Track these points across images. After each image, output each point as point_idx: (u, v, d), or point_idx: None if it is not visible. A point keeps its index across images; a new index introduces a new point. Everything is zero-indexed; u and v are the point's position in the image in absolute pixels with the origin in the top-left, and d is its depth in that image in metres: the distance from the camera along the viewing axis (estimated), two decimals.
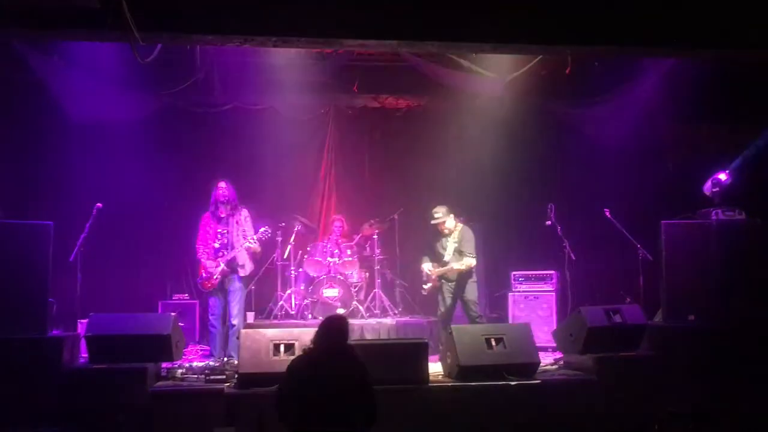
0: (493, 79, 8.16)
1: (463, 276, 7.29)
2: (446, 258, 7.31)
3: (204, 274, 7.09)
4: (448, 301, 7.38)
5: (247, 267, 7.16)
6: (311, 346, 4.31)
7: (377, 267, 8.78)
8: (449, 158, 9.37)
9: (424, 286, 7.57)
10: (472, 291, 7.36)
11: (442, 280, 7.38)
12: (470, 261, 7.13)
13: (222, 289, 7.10)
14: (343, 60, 8.61)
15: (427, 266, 7.48)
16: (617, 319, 6.31)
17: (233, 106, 9.09)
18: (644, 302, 7.05)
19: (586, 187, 8.61)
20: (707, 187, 7.34)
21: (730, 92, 7.64)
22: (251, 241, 7.04)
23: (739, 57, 6.10)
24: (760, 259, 6.69)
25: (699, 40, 5.62)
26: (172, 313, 6.26)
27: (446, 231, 7.34)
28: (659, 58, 7.47)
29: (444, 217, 7.30)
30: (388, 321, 8.18)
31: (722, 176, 7.34)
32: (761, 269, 6.63)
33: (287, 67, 8.33)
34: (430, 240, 7.55)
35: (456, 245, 7.28)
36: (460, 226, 7.37)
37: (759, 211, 7.03)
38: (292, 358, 5.64)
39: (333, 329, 4.30)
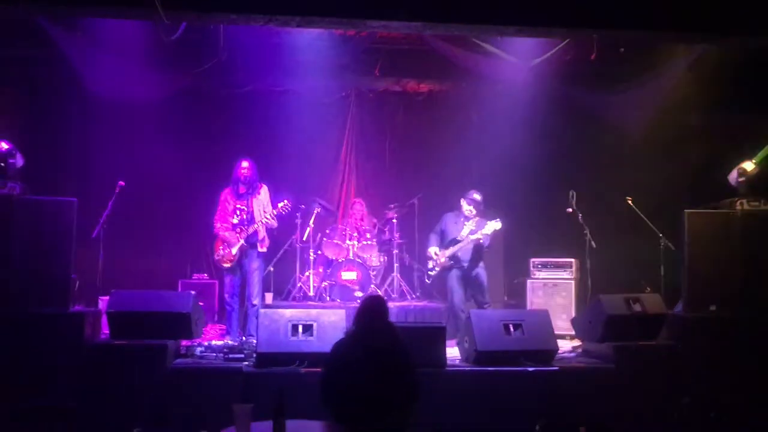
0: (516, 63, 8.07)
1: (474, 260, 7.28)
2: (459, 238, 7.29)
3: (222, 251, 7.10)
4: (460, 288, 7.36)
5: (265, 242, 7.18)
6: (353, 327, 4.32)
7: (396, 251, 8.78)
8: (470, 143, 9.31)
9: (430, 272, 7.54)
10: (482, 277, 7.35)
11: (453, 264, 7.34)
12: (496, 224, 7.11)
13: (240, 267, 7.10)
14: (365, 43, 8.57)
15: (434, 249, 7.47)
16: (637, 308, 6.26)
17: (255, 88, 9.09)
18: (665, 292, 6.99)
19: (609, 174, 8.52)
20: (733, 177, 7.23)
21: (758, 81, 7.50)
22: (269, 216, 7.06)
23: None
24: None
25: (728, 26, 5.52)
26: (192, 292, 6.30)
27: (471, 214, 7.35)
28: (687, 44, 7.35)
29: (477, 207, 7.35)
30: (406, 305, 8.20)
31: (748, 166, 7.22)
32: None
33: (309, 50, 8.31)
34: (442, 224, 7.54)
35: (473, 228, 7.27)
36: (478, 217, 7.38)
37: None
38: (310, 339, 5.71)
39: (373, 309, 4.30)
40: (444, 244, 7.49)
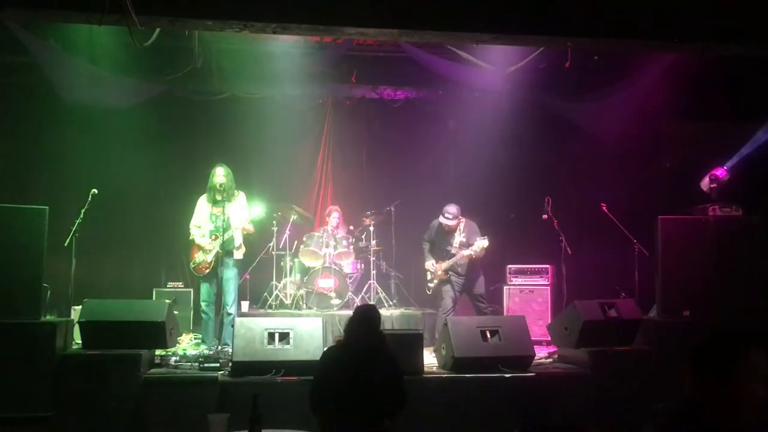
0: (491, 71, 8.13)
1: (473, 269, 7.36)
2: (453, 251, 7.32)
3: (197, 258, 7.03)
4: (454, 295, 7.42)
5: (242, 249, 7.13)
6: (345, 335, 4.30)
7: (373, 258, 8.76)
8: (447, 150, 9.35)
9: (430, 284, 7.60)
10: (480, 284, 7.45)
11: (451, 275, 7.40)
12: (483, 242, 7.18)
13: (215, 275, 7.03)
14: (341, 50, 8.58)
15: (430, 263, 7.53)
16: (612, 313, 6.32)
17: (231, 95, 9.03)
18: (639, 297, 7.06)
19: (583, 181, 8.61)
20: (704, 183, 7.35)
21: (729, 89, 7.63)
22: (246, 222, 7.00)
23: (740, 53, 6.08)
24: (756, 255, 6.70)
25: (700, 35, 5.60)
26: (167, 300, 6.23)
27: (456, 225, 7.45)
28: (659, 53, 7.45)
29: (455, 219, 7.40)
30: (383, 312, 8.14)
31: (719, 172, 7.35)
32: (757, 265, 6.64)
33: (285, 57, 8.31)
34: (433, 236, 7.60)
35: (463, 239, 7.34)
36: (463, 219, 7.43)
37: (756, 208, 7.03)
38: (286, 347, 5.67)
39: (365, 318, 4.28)
40: (439, 255, 7.57)
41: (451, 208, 7.42)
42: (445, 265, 7.46)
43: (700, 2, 5.49)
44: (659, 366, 6.06)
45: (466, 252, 7.28)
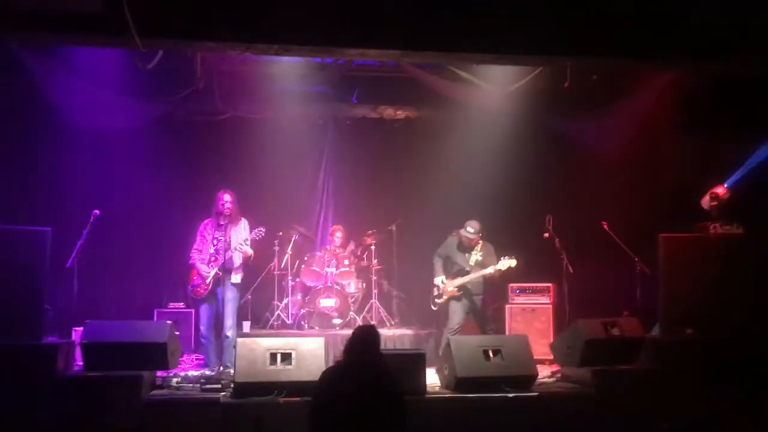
0: (492, 91, 8.18)
1: (481, 291, 7.39)
2: (467, 268, 7.33)
3: (196, 279, 7.02)
4: (462, 315, 7.39)
5: (240, 272, 7.11)
6: (343, 355, 4.29)
7: (374, 277, 8.76)
8: (447, 170, 9.36)
9: (437, 300, 7.55)
10: (487, 306, 7.48)
11: (463, 294, 7.38)
12: (511, 262, 7.19)
13: (214, 297, 7.00)
14: (342, 70, 8.64)
15: (440, 279, 7.49)
16: (615, 332, 6.29)
17: (233, 115, 9.07)
18: (642, 316, 7.02)
19: (585, 199, 8.61)
20: (705, 201, 7.34)
21: (729, 106, 7.66)
22: (244, 243, 6.99)
23: (739, 71, 6.14)
24: (758, 273, 6.69)
25: (700, 53, 5.65)
26: (169, 321, 6.22)
27: (476, 243, 7.42)
28: (659, 71, 7.50)
29: (478, 232, 7.39)
30: (385, 332, 8.14)
31: (720, 190, 7.35)
32: (759, 283, 6.63)
33: (287, 77, 8.37)
34: (448, 252, 7.57)
35: (479, 258, 7.33)
36: (480, 241, 7.45)
37: (757, 225, 7.04)
38: (289, 367, 5.65)
39: (365, 339, 4.28)
40: (451, 272, 7.52)
41: (474, 223, 7.41)
42: (458, 281, 7.40)
43: (699, 21, 5.54)
44: (662, 384, 6.02)
45: (488, 270, 7.22)
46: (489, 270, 7.24)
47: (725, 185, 7.45)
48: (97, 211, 6.72)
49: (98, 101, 7.81)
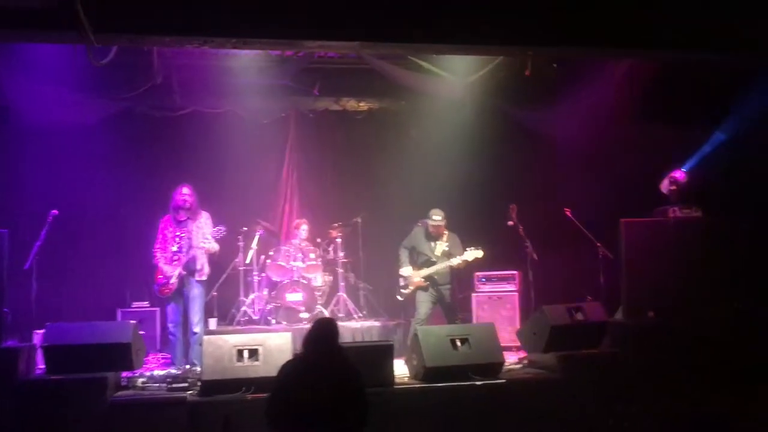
0: (453, 81, 8.21)
1: (448, 281, 7.39)
2: (434, 259, 7.33)
3: (161, 279, 6.93)
4: (429, 305, 7.40)
5: (205, 269, 7.04)
6: (302, 349, 4.27)
7: (341, 270, 8.75)
8: (411, 160, 9.38)
9: (403, 291, 7.53)
10: (455, 296, 7.53)
11: (429, 284, 7.39)
12: (478, 252, 7.19)
13: (180, 295, 6.93)
14: (303, 63, 8.57)
15: (407, 270, 7.47)
16: (579, 317, 6.39)
17: (193, 110, 8.96)
18: (605, 300, 7.15)
19: (547, 187, 8.71)
20: (664, 186, 7.49)
21: (687, 92, 7.79)
22: (206, 241, 6.92)
23: (695, 59, 6.24)
24: (716, 255, 6.84)
25: (656, 41, 5.72)
26: (132, 321, 6.13)
27: (442, 233, 7.40)
28: (616, 59, 7.60)
29: (443, 220, 7.39)
30: (353, 324, 8.15)
31: (679, 174, 7.50)
32: (718, 265, 6.78)
33: (247, 71, 8.28)
34: (414, 243, 7.56)
35: (446, 248, 7.33)
36: (446, 231, 7.46)
37: (715, 208, 7.19)
38: (256, 363, 5.61)
39: (324, 332, 4.27)
40: (417, 263, 7.51)
41: (438, 210, 7.41)
42: (425, 272, 7.39)
43: (657, 10, 5.61)
44: (625, 367, 6.13)
45: (456, 260, 7.23)
46: (455, 260, 7.26)
47: (683, 170, 7.61)
48: (55, 211, 6.58)
49: (53, 99, 7.64)
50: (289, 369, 4.25)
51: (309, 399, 3.93)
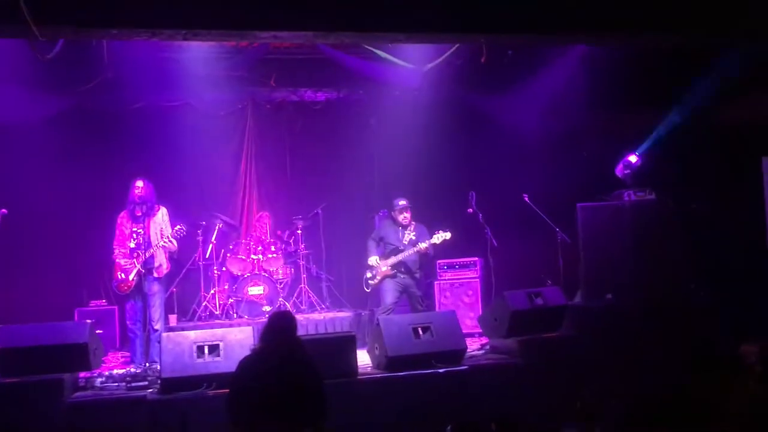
0: (410, 69, 8.19)
1: (415, 269, 7.37)
2: (401, 247, 7.32)
3: (119, 276, 6.81)
4: (396, 294, 7.36)
5: (163, 267, 6.94)
6: (259, 343, 4.25)
7: (302, 262, 8.70)
8: (370, 150, 9.36)
9: (370, 281, 7.47)
10: (421, 286, 7.52)
11: (396, 272, 7.35)
12: (446, 235, 7.17)
13: (140, 292, 6.82)
14: (259, 53, 8.45)
15: (374, 259, 7.42)
16: (539, 301, 6.47)
17: (146, 104, 8.75)
18: (564, 284, 7.26)
19: (505, 174, 8.75)
20: (619, 170, 7.63)
21: (639, 78, 7.90)
22: (166, 240, 6.81)
23: (648, 43, 6.32)
24: (670, 236, 6.99)
25: (609, 27, 5.78)
26: (88, 320, 6.01)
27: (406, 221, 7.38)
28: (570, 44, 7.66)
29: (407, 204, 7.36)
30: (316, 316, 8.13)
31: (632, 158, 7.63)
32: (671, 246, 6.93)
33: (201, 62, 8.13)
34: (381, 234, 7.53)
35: (413, 237, 7.32)
36: (413, 221, 7.45)
37: (668, 190, 7.33)
38: (217, 359, 5.56)
39: (281, 326, 4.25)
40: (385, 252, 7.46)
41: (402, 200, 7.39)
42: (392, 260, 7.31)
43: None
44: (585, 349, 6.23)
45: (424, 244, 7.18)
46: (424, 244, 7.21)
47: (637, 153, 7.74)
48: (4, 210, 6.41)
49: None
50: (246, 363, 4.22)
51: (267, 393, 3.92)
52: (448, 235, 7.20)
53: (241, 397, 4.03)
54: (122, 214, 6.95)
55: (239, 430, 4.01)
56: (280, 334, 4.19)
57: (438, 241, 7.21)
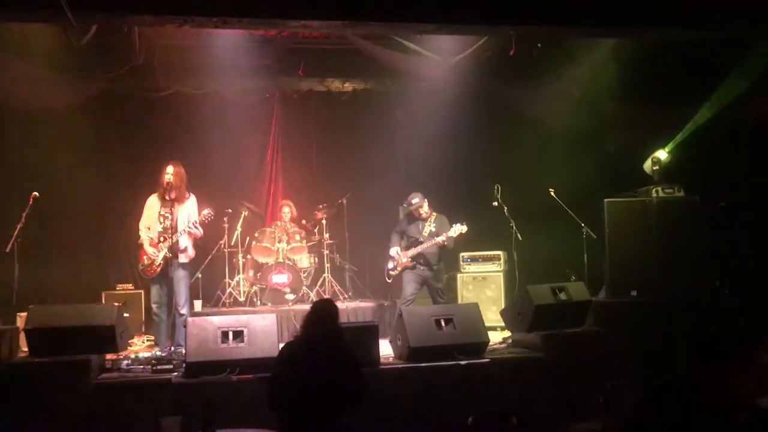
0: (438, 61, 8.16)
1: (438, 262, 7.43)
2: (421, 239, 7.35)
3: (146, 260, 6.88)
4: (416, 285, 7.42)
5: (189, 252, 6.98)
6: (301, 330, 4.28)
7: (326, 251, 8.74)
8: (396, 141, 9.36)
9: (392, 272, 7.55)
10: (440, 277, 7.48)
11: (416, 264, 7.39)
12: (462, 228, 7.20)
13: (165, 276, 6.86)
14: (287, 43, 8.49)
15: (395, 250, 7.49)
16: (563, 296, 6.43)
17: (176, 91, 8.86)
18: (589, 279, 7.20)
19: (532, 167, 8.71)
20: (647, 166, 7.53)
21: (669, 72, 7.80)
22: (192, 226, 6.87)
23: (679, 37, 6.25)
24: (698, 234, 6.90)
25: (642, 21, 5.73)
26: (116, 303, 6.10)
27: (423, 215, 7.45)
28: (599, 38, 7.58)
29: (421, 201, 7.42)
30: (339, 305, 8.10)
31: (662, 154, 7.53)
32: (699, 244, 6.84)
33: (230, 51, 8.19)
34: (403, 225, 7.61)
35: (433, 229, 7.36)
36: (434, 213, 7.50)
37: (696, 188, 7.24)
38: (241, 345, 5.62)
39: (323, 313, 4.28)
40: (405, 244, 7.54)
41: (414, 194, 7.47)
42: (412, 252, 7.41)
43: None
44: (609, 345, 6.18)
45: (440, 238, 7.23)
46: (441, 238, 7.27)
47: (666, 150, 7.64)
48: (36, 193, 6.52)
49: (32, 79, 7.52)
50: (289, 350, 4.26)
51: (307, 379, 3.94)
52: (464, 229, 7.23)
53: (281, 382, 4.06)
54: (152, 196, 7.01)
55: (280, 416, 4.03)
56: (322, 322, 4.21)
57: (455, 234, 7.25)
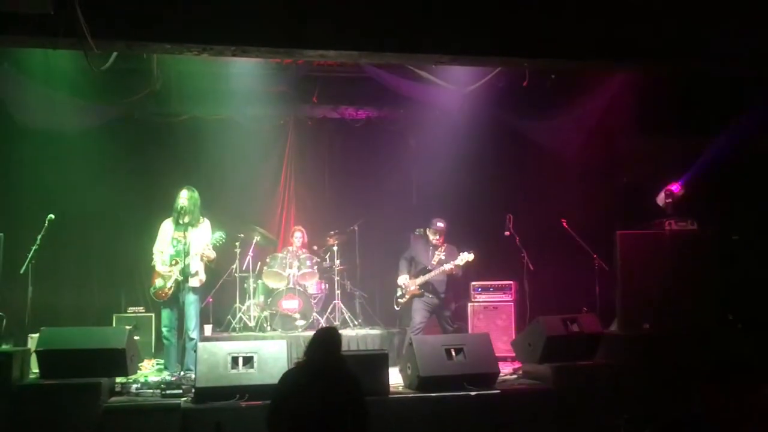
0: (451, 90, 8.22)
1: (447, 291, 7.40)
2: (430, 267, 7.35)
3: (157, 284, 6.91)
4: (425, 314, 7.39)
5: (200, 276, 7.00)
6: (304, 358, 4.27)
7: (337, 278, 8.74)
8: (409, 169, 9.39)
9: (400, 300, 7.53)
10: (450, 306, 7.53)
11: (425, 292, 7.39)
12: (469, 256, 7.17)
13: (176, 300, 6.88)
14: (302, 70, 8.58)
15: (403, 278, 7.49)
16: (574, 328, 6.39)
17: (191, 116, 8.96)
18: (600, 311, 7.15)
19: (544, 198, 8.72)
20: (660, 198, 7.53)
21: (682, 105, 7.83)
22: (206, 248, 6.90)
23: (695, 71, 6.28)
24: (712, 268, 6.87)
25: (654, 55, 5.76)
26: (127, 327, 6.12)
27: (439, 242, 7.43)
28: (612, 72, 7.63)
29: (444, 227, 7.41)
30: (348, 332, 8.15)
31: (675, 187, 7.54)
32: (713, 278, 6.80)
33: (246, 77, 8.27)
34: (412, 252, 7.60)
35: (442, 257, 7.35)
36: (445, 243, 7.47)
37: (710, 221, 7.22)
38: (251, 371, 5.61)
39: (326, 341, 4.27)
40: (414, 272, 7.52)
41: (440, 222, 7.43)
42: (420, 280, 7.38)
43: (652, 22, 5.65)
44: (621, 379, 6.13)
45: (448, 266, 7.19)
46: (449, 266, 7.24)
47: (680, 183, 7.64)
48: (51, 215, 6.58)
49: (52, 103, 7.62)
50: (290, 377, 4.25)
51: (310, 407, 3.93)
52: (471, 257, 7.20)
53: (282, 409, 4.04)
54: (166, 221, 7.05)
55: None
56: (325, 349, 4.20)
57: (462, 263, 7.22)
